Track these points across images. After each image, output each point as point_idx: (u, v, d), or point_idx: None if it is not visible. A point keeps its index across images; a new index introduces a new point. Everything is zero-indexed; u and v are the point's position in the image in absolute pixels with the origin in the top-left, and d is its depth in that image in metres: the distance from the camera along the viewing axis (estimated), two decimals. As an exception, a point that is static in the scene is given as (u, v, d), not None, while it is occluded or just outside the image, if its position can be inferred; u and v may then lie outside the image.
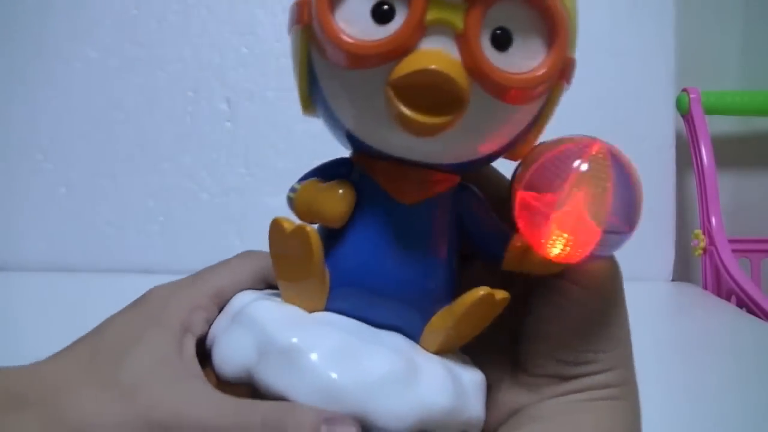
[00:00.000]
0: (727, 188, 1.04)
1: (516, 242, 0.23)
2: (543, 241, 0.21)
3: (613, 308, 0.23)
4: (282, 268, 0.23)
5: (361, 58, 0.20)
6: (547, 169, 0.21)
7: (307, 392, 0.20)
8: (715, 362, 0.59)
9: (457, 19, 0.19)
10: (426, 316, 0.23)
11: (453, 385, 0.22)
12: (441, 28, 0.19)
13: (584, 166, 0.20)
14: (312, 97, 0.22)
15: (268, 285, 0.26)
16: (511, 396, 0.24)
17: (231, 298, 0.24)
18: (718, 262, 0.91)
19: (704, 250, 0.94)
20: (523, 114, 0.21)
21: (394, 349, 0.22)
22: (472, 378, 0.23)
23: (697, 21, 1.04)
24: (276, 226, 0.22)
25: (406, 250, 0.22)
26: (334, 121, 0.22)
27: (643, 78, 0.95)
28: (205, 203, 0.89)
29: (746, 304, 0.84)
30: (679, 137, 0.97)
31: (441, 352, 0.23)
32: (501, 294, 0.22)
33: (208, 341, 0.23)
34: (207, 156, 0.89)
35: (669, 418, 0.44)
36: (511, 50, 0.20)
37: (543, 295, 0.23)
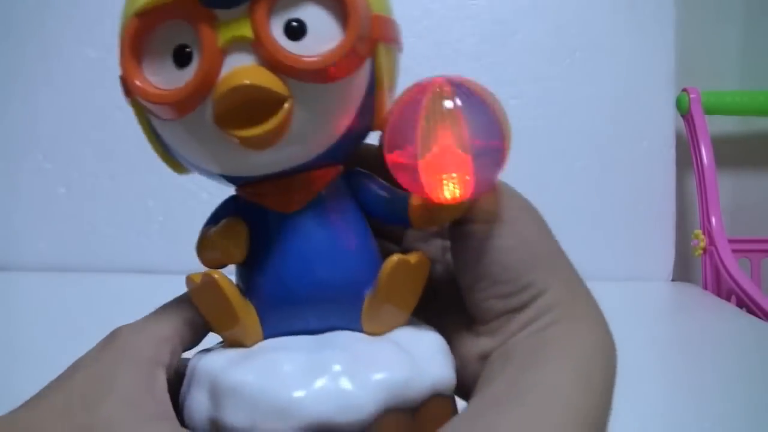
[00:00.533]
0: (727, 188, 1.04)
1: (414, 201, 0.23)
2: (428, 190, 0.21)
3: (521, 229, 0.23)
4: (210, 318, 0.23)
5: (178, 106, 0.20)
6: (398, 124, 0.21)
7: (268, 418, 0.20)
8: (715, 362, 0.59)
9: (246, 30, 0.19)
10: (358, 305, 0.23)
11: (403, 356, 0.22)
12: (236, 45, 0.20)
13: (427, 106, 0.20)
14: (173, 157, 0.23)
15: None
16: (477, 348, 0.24)
17: (195, 328, 0.24)
18: (718, 262, 0.91)
19: (704, 250, 0.94)
20: (351, 86, 0.21)
21: (338, 347, 0.22)
22: (427, 342, 0.23)
23: (697, 21, 1.04)
24: (188, 282, 0.23)
25: (313, 255, 0.23)
26: (200, 170, 0.23)
27: (643, 78, 0.95)
28: (205, 203, 0.89)
29: (746, 304, 0.84)
30: (679, 137, 0.97)
31: (386, 330, 0.23)
32: (415, 257, 0.23)
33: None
34: (207, 156, 0.89)
35: (669, 418, 0.45)
36: (307, 38, 0.20)
37: (458, 245, 0.24)
